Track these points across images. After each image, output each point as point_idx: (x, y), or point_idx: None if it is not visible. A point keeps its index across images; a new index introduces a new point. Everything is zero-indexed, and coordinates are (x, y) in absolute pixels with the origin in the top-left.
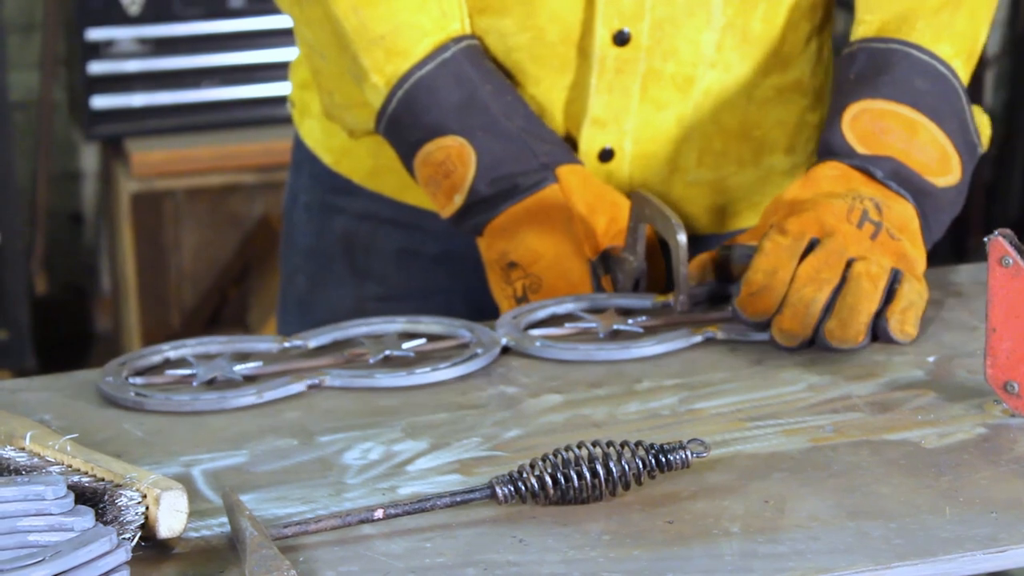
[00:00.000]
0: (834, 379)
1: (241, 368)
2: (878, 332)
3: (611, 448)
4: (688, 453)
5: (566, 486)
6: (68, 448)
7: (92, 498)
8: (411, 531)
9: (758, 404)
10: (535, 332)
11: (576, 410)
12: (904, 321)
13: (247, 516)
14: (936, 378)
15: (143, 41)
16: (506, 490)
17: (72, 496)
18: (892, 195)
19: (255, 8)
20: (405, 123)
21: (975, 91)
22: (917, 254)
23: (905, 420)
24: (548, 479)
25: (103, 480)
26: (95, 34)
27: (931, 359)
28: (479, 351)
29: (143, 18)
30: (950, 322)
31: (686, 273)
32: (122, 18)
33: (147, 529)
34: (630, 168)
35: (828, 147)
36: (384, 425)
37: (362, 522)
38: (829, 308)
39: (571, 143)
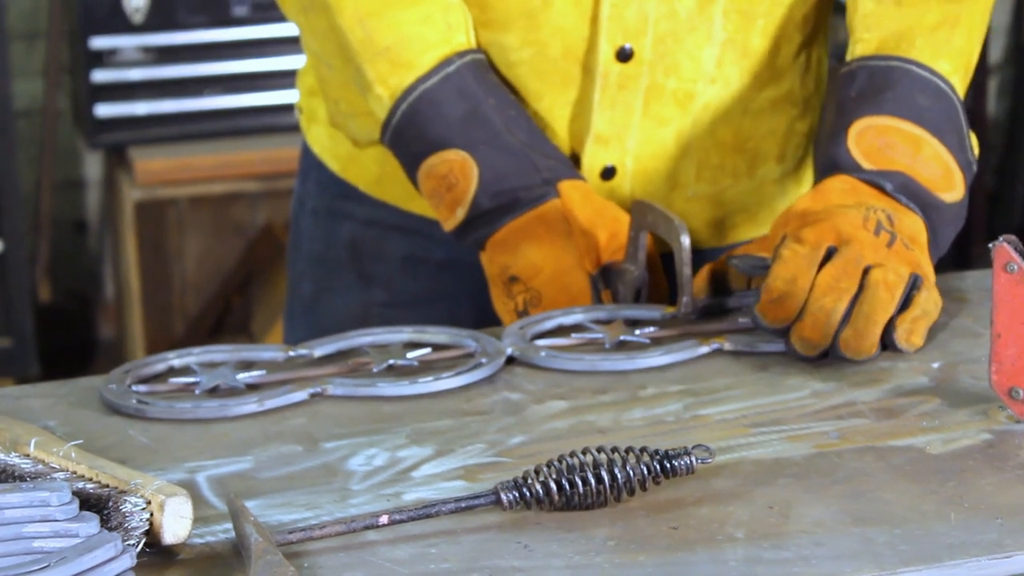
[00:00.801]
0: (839, 385)
1: (244, 376)
2: (884, 339)
3: (616, 454)
4: (693, 459)
5: (571, 492)
6: (73, 454)
7: (97, 504)
8: (416, 537)
9: (763, 410)
10: (541, 343)
11: (581, 416)
12: (912, 331)
13: (252, 522)
14: (941, 384)
15: (147, 49)
16: (511, 496)
17: (77, 502)
18: (902, 208)
19: (259, 16)
20: (409, 136)
21: (978, 99)
22: (928, 266)
23: (910, 426)
24: (553, 485)
25: (108, 486)
26: (99, 42)
27: (936, 365)
28: (483, 360)
29: (147, 26)
30: (955, 328)
31: (690, 275)
32: (126, 26)
33: (152, 535)
34: (631, 186)
35: (834, 163)
36: (389, 431)
37: (367, 528)
38: (846, 317)
39: (575, 160)
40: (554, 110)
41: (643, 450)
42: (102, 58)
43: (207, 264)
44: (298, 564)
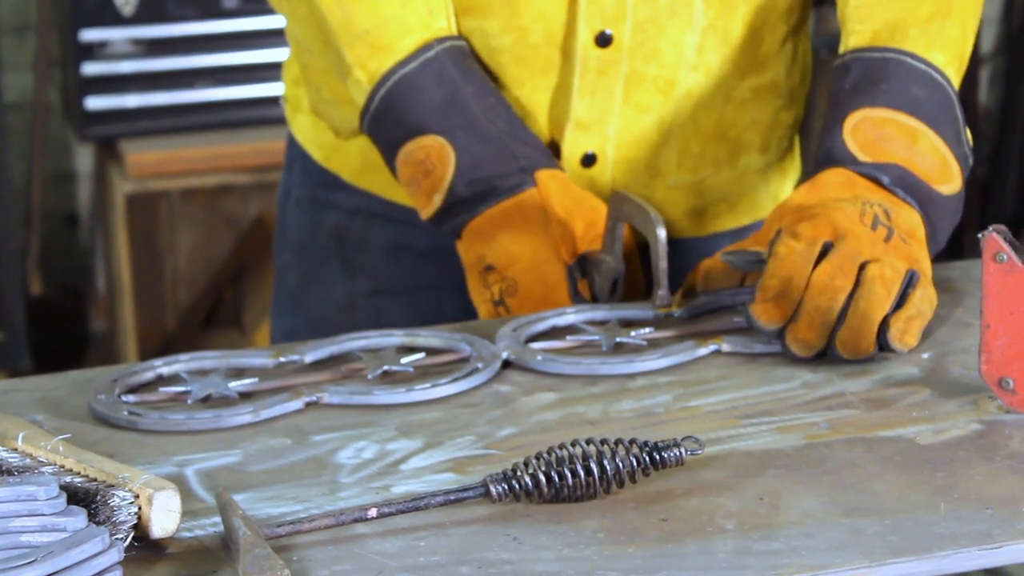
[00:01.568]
0: (828, 376)
1: (236, 385)
2: (878, 338)
3: (605, 446)
4: (682, 451)
5: (560, 484)
6: (60, 448)
7: (85, 498)
8: (405, 530)
9: (752, 401)
10: (536, 345)
11: (570, 408)
12: (906, 331)
13: (240, 516)
14: (931, 374)
15: (137, 42)
16: (500, 488)
17: (64, 496)
18: (899, 202)
19: (249, 8)
20: (387, 121)
21: (969, 89)
22: (925, 261)
23: (900, 417)
24: (542, 477)
25: (96, 480)
26: (89, 35)
27: (926, 355)
28: (479, 365)
29: (137, 19)
30: (945, 318)
31: (666, 268)
32: (116, 19)
33: (140, 529)
34: (612, 173)
35: (830, 156)
36: (378, 424)
37: (356, 521)
38: (842, 315)
39: (555, 148)
40: (535, 96)
41: (632, 442)
42: (92, 51)
43: (199, 257)
44: (287, 557)
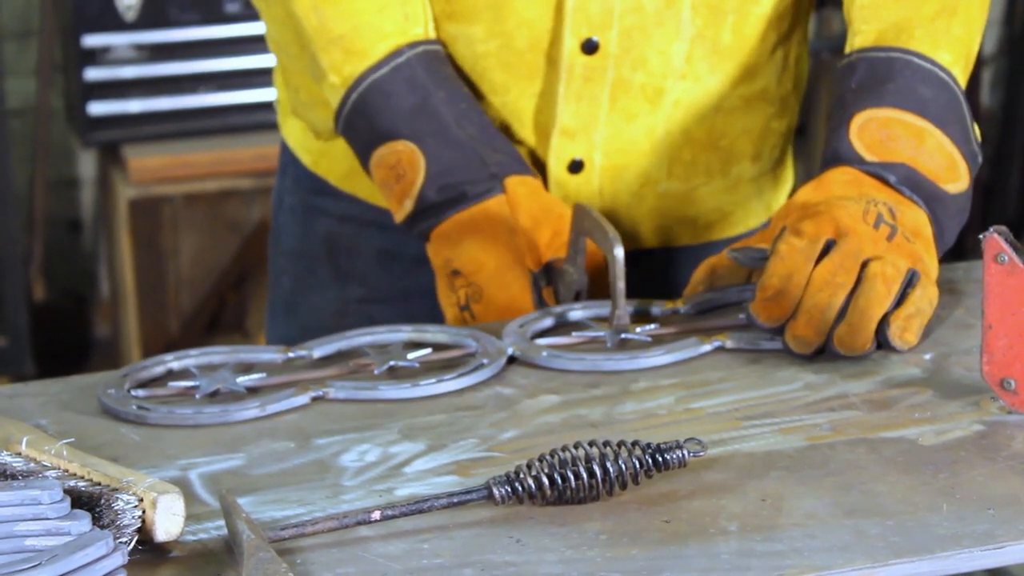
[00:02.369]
0: (831, 377)
1: (244, 380)
2: (878, 336)
3: (608, 448)
4: (685, 452)
5: (563, 486)
6: (64, 453)
7: (89, 502)
8: (408, 532)
9: (755, 403)
10: (541, 342)
11: (573, 410)
12: (906, 328)
13: (244, 519)
14: (933, 375)
15: (139, 47)
16: (503, 491)
17: (68, 500)
18: (905, 200)
19: (251, 13)
20: (359, 125)
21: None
22: (931, 260)
23: (902, 418)
24: (545, 479)
25: (100, 484)
26: (91, 40)
27: (928, 356)
28: (485, 361)
29: (139, 24)
30: (946, 319)
31: (623, 288)
32: (118, 24)
33: (144, 533)
34: (600, 180)
35: (836, 155)
36: (381, 427)
37: (359, 524)
38: (842, 312)
39: (541, 154)
40: (520, 102)
41: (635, 444)
42: (95, 56)
43: (202, 262)
44: (291, 560)
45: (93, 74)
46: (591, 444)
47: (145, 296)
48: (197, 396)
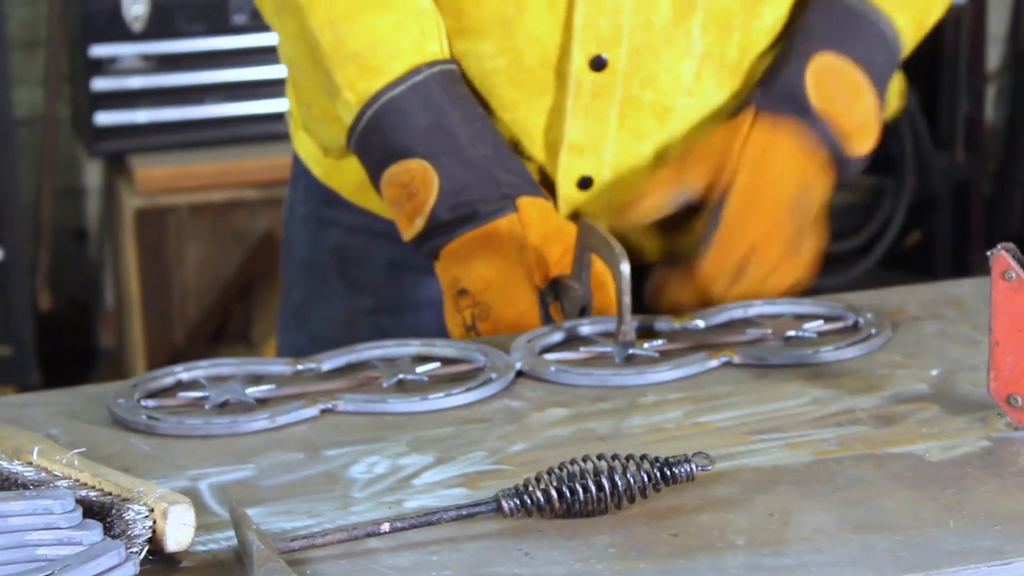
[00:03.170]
0: (838, 392)
1: (254, 391)
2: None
3: (616, 461)
4: (693, 466)
5: (572, 499)
6: (75, 462)
7: (100, 512)
8: (417, 545)
9: (762, 417)
10: (550, 356)
11: (581, 424)
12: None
13: (254, 530)
14: (940, 391)
15: (146, 57)
16: (512, 503)
17: (80, 510)
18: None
19: (258, 24)
20: (373, 142)
21: (976, 106)
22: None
23: (909, 433)
24: (554, 492)
25: (111, 494)
26: (99, 51)
27: (935, 372)
28: (493, 375)
29: (146, 34)
30: (953, 336)
31: (629, 303)
32: (126, 35)
33: (155, 543)
34: (610, 196)
35: (789, 95)
36: (390, 439)
37: (369, 536)
38: None
39: (550, 170)
40: (530, 118)
41: (643, 457)
42: (102, 66)
43: (207, 272)
44: (300, 572)
45: (100, 84)
46: (599, 457)
47: (150, 306)
48: (207, 407)
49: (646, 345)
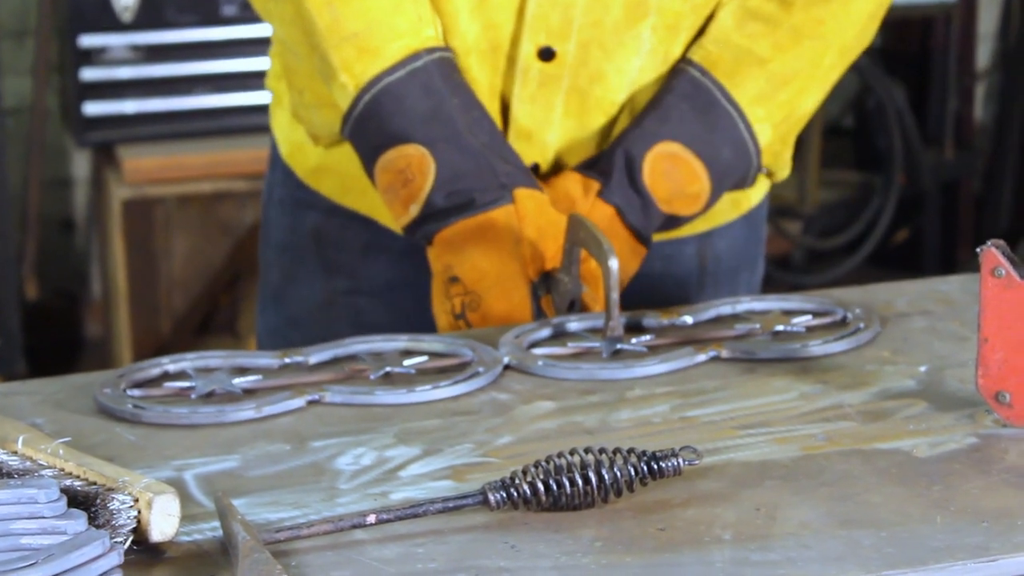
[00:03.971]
0: (826, 388)
1: (240, 381)
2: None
3: (603, 455)
4: (680, 460)
5: (558, 492)
6: (61, 452)
7: (84, 502)
8: (403, 537)
9: (750, 412)
10: (537, 351)
11: (568, 417)
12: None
13: (239, 520)
14: (928, 388)
15: (136, 48)
16: (498, 496)
17: (65, 499)
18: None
19: (247, 16)
20: (370, 127)
21: (965, 105)
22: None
23: (896, 429)
24: (540, 485)
25: (95, 484)
26: (88, 41)
27: (923, 369)
28: (481, 369)
29: (136, 25)
30: (941, 332)
31: (617, 298)
32: (115, 25)
33: (139, 533)
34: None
35: (628, 169)
36: (376, 431)
37: (354, 527)
38: None
39: None
40: (483, 101)
41: (630, 451)
42: (91, 56)
43: (194, 263)
44: (285, 563)
45: (89, 74)
46: (586, 451)
47: (137, 297)
48: (193, 396)
49: (634, 340)
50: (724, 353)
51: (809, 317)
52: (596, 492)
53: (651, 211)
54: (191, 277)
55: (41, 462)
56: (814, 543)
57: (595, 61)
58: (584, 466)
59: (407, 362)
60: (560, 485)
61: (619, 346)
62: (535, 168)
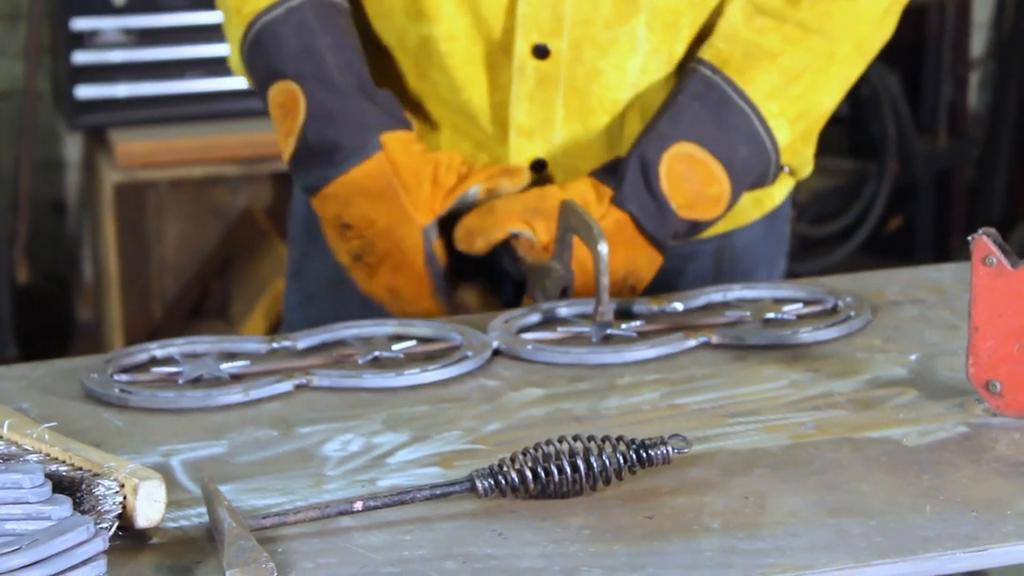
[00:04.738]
0: (816, 376)
1: (228, 366)
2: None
3: (592, 443)
4: (669, 449)
5: (546, 480)
6: (46, 437)
7: (70, 487)
8: (390, 524)
9: (740, 400)
10: (527, 336)
11: (557, 404)
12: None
13: (225, 507)
14: (918, 376)
15: (128, 31)
16: (486, 483)
17: (49, 485)
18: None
19: None
20: (257, 64)
21: (959, 93)
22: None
23: (887, 418)
24: (528, 473)
25: (81, 469)
26: (80, 24)
27: (913, 357)
28: (469, 353)
29: (128, 8)
30: (932, 320)
31: (607, 283)
32: (107, 8)
33: (125, 519)
34: (563, 179)
35: (644, 177)
36: (365, 417)
37: (341, 514)
38: None
39: (503, 151)
40: (482, 100)
41: (619, 439)
42: (83, 39)
43: (186, 247)
44: (272, 549)
45: (81, 57)
46: (575, 438)
47: (128, 281)
48: (180, 381)
49: (624, 326)
50: (714, 339)
51: (800, 305)
52: (584, 480)
53: (667, 216)
54: (183, 261)
55: (26, 447)
56: (803, 532)
57: (590, 58)
58: (572, 454)
59: (396, 347)
60: (548, 473)
61: (609, 331)
62: (542, 164)
